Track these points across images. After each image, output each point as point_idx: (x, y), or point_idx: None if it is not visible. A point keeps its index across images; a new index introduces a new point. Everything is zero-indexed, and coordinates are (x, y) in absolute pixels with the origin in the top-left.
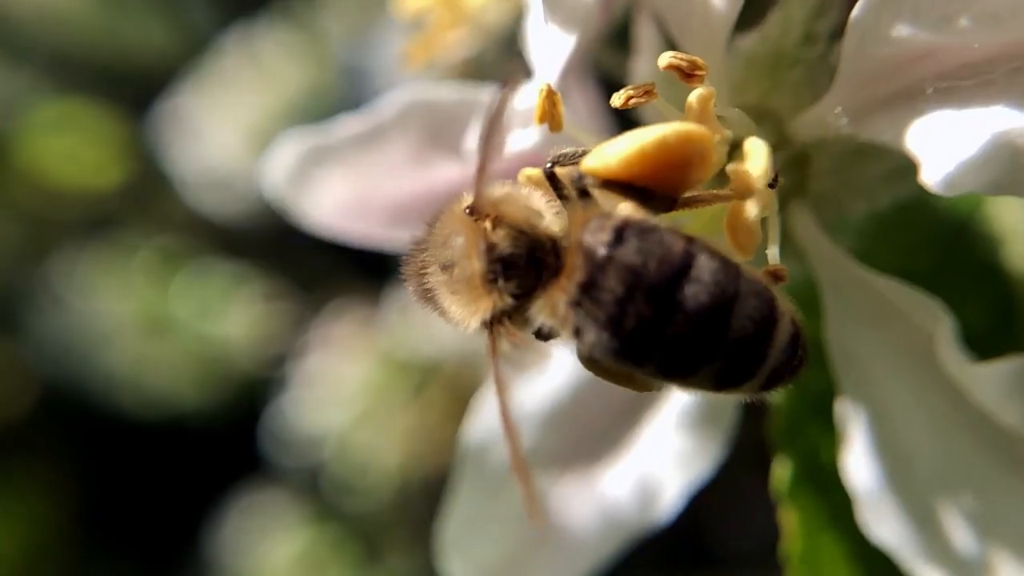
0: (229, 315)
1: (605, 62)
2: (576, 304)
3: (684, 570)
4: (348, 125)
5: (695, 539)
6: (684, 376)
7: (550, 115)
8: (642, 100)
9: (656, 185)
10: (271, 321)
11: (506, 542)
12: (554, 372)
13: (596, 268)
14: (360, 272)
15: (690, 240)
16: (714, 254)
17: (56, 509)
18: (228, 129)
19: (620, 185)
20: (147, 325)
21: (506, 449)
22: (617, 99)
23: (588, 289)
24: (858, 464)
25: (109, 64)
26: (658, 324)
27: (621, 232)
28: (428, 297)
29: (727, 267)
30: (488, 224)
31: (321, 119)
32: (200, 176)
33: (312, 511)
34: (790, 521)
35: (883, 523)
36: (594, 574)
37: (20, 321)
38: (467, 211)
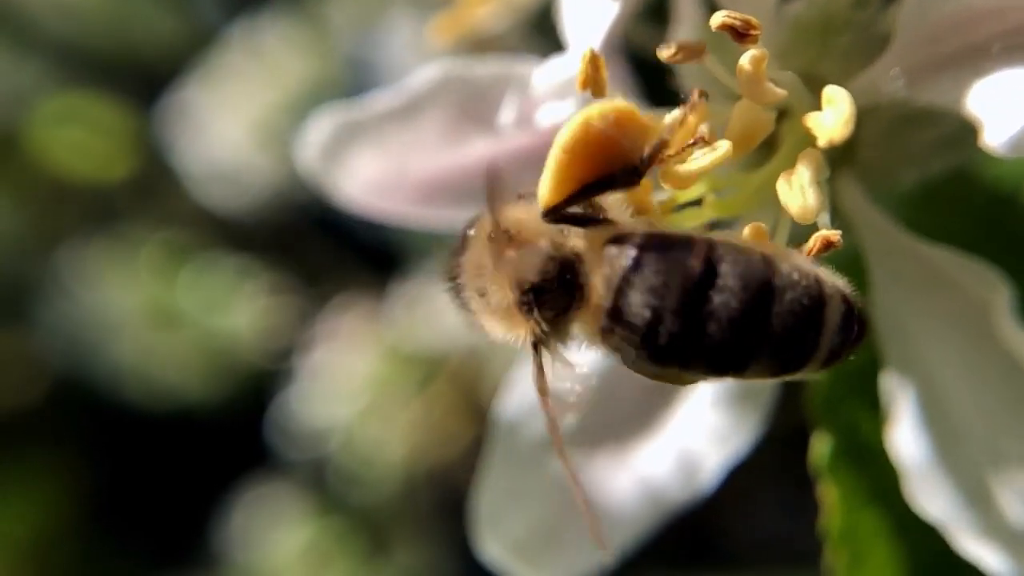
0: (235, 308)
1: (636, 38)
2: (608, 330)
3: (690, 566)
4: (382, 100)
5: (701, 535)
6: (736, 372)
7: (593, 80)
8: (691, 57)
9: (608, 168)
10: (277, 314)
11: (541, 518)
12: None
13: (619, 295)
14: (366, 266)
15: (711, 247)
16: (739, 255)
17: (65, 498)
18: (234, 123)
19: (580, 194)
20: (154, 318)
21: (540, 425)
22: (666, 52)
23: (616, 316)
24: (906, 439)
25: (116, 57)
26: (693, 336)
27: (639, 256)
28: (472, 316)
29: (754, 266)
30: (513, 252)
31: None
32: (206, 169)
33: (318, 503)
34: (830, 497)
35: (933, 498)
36: (631, 550)
37: (28, 313)
38: (490, 237)
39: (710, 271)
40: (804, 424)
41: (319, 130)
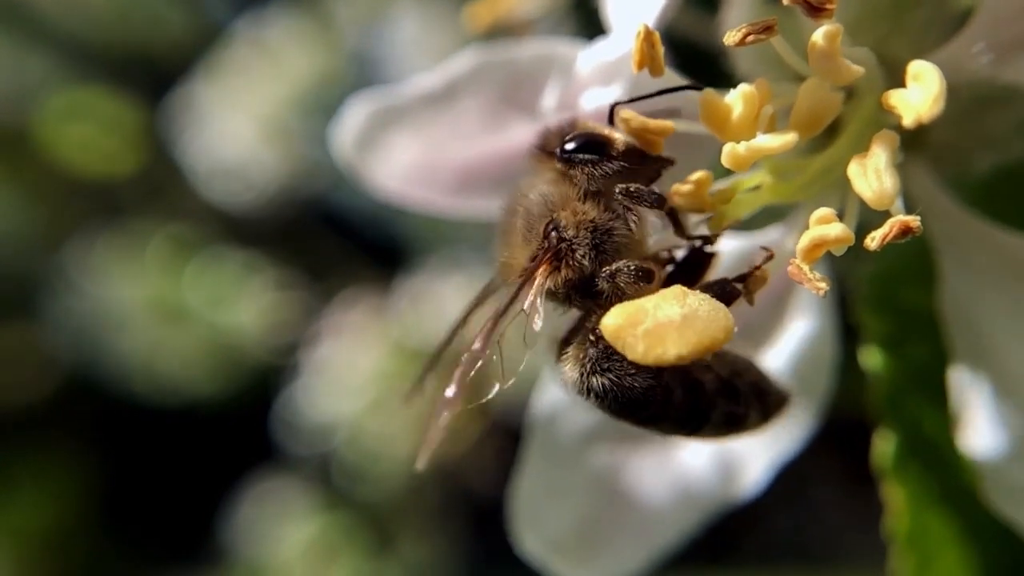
0: (241, 303)
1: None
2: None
3: (699, 566)
4: (419, 85)
5: (713, 535)
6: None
7: (649, 58)
8: (761, 37)
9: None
10: (283, 309)
11: (579, 515)
12: None
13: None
14: (372, 261)
15: (660, 376)
16: (685, 383)
17: (73, 493)
18: (240, 118)
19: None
20: (160, 313)
21: (579, 420)
22: (733, 36)
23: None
24: (982, 437)
25: (123, 53)
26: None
27: (593, 371)
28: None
29: (697, 395)
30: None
31: (333, 108)
32: (212, 165)
33: (324, 498)
34: (896, 498)
35: (1012, 499)
36: (672, 548)
37: (36, 308)
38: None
39: (654, 399)
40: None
41: (354, 115)
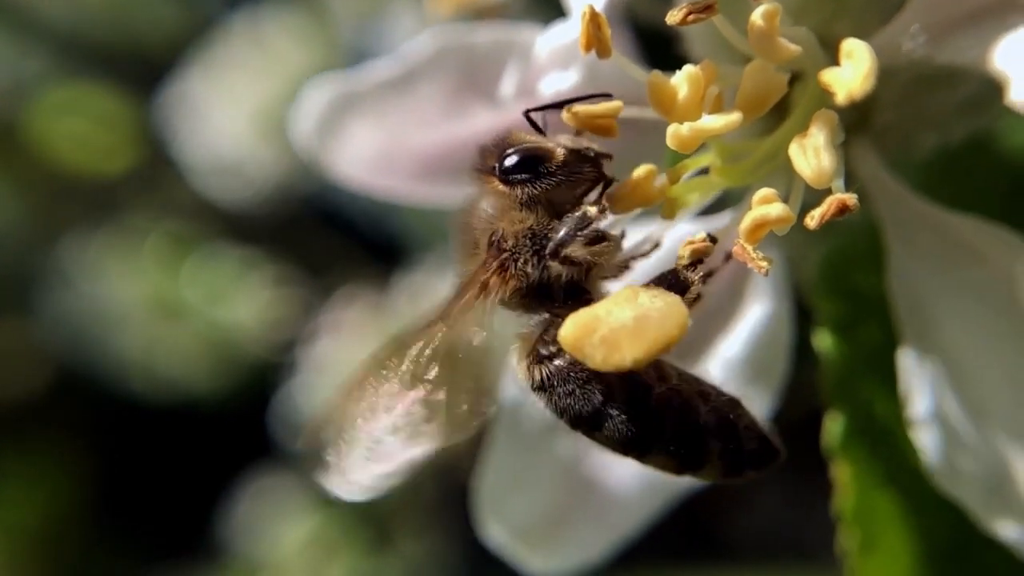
0: (239, 300)
1: (641, 10)
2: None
3: (693, 560)
4: (378, 70)
5: (704, 529)
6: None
7: (596, 39)
8: (702, 16)
9: None
10: (281, 306)
11: (544, 503)
12: None
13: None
14: (370, 257)
15: (609, 388)
16: (632, 394)
17: (69, 489)
18: (236, 113)
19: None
20: (157, 309)
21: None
22: (675, 15)
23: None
24: (925, 417)
25: (117, 48)
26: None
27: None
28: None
29: (641, 413)
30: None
31: None
32: (208, 161)
33: (322, 496)
34: (843, 477)
35: (955, 479)
36: (635, 535)
37: (32, 304)
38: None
39: (603, 409)
40: (810, 413)
41: (313, 101)
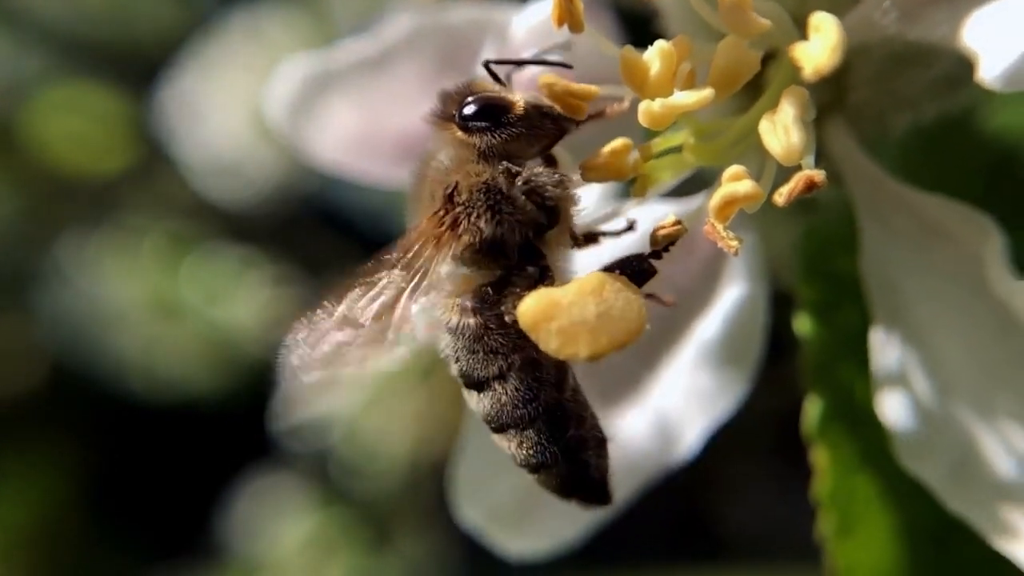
0: (238, 299)
1: None
2: None
3: (691, 554)
4: (353, 49)
5: (703, 524)
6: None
7: (568, 13)
8: None
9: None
10: (280, 305)
11: (519, 483)
12: None
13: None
14: (368, 256)
15: (509, 369)
16: (525, 384)
17: (67, 488)
18: (234, 112)
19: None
20: (156, 309)
21: None
22: None
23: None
24: (893, 396)
25: (115, 46)
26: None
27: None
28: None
29: (521, 403)
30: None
31: None
32: (206, 160)
33: (321, 495)
34: (821, 461)
35: (921, 458)
36: (610, 516)
37: (30, 303)
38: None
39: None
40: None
41: (286, 82)
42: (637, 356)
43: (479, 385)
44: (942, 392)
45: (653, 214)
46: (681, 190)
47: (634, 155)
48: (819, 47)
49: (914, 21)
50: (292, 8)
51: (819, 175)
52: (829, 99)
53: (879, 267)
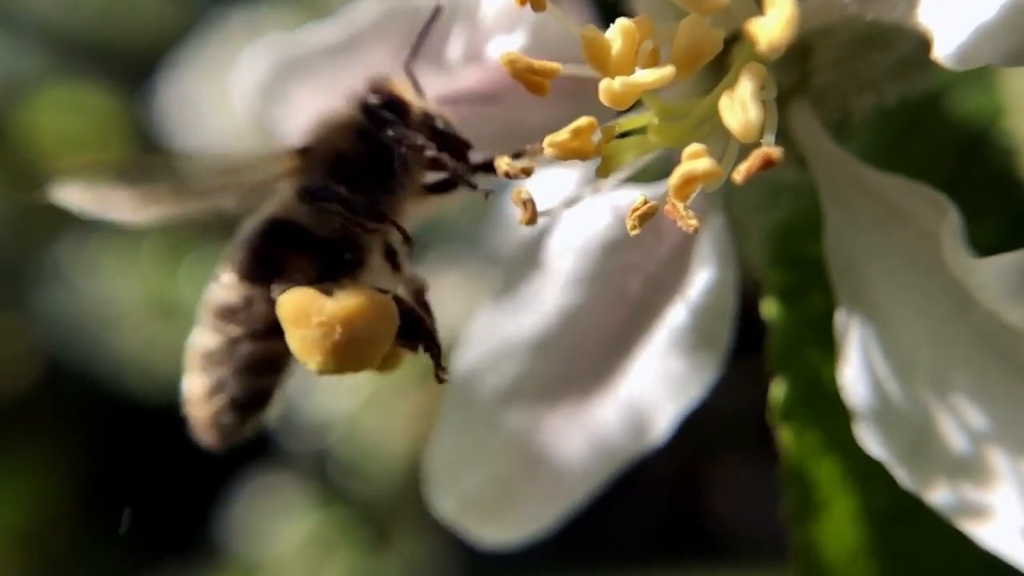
0: None
1: None
2: None
3: (685, 553)
4: (322, 33)
5: (697, 522)
6: None
7: None
8: None
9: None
10: None
11: (493, 472)
12: (544, 300)
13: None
14: None
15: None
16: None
17: (64, 488)
18: (230, 112)
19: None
20: (154, 309)
21: (495, 382)
22: None
23: None
24: (855, 376)
25: (111, 45)
26: None
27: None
28: None
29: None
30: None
31: None
32: None
33: (320, 495)
34: (787, 445)
35: (881, 437)
36: (583, 503)
37: (28, 303)
38: None
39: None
40: None
41: (253, 65)
42: (608, 343)
43: (223, 348)
44: (901, 371)
45: (625, 199)
46: (654, 176)
47: (598, 135)
48: (773, 21)
49: (871, 1)
50: (291, 8)
51: (776, 152)
52: (793, 82)
53: (842, 249)
